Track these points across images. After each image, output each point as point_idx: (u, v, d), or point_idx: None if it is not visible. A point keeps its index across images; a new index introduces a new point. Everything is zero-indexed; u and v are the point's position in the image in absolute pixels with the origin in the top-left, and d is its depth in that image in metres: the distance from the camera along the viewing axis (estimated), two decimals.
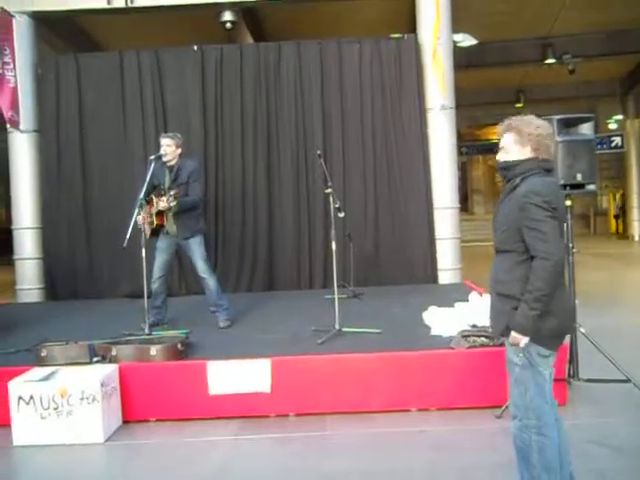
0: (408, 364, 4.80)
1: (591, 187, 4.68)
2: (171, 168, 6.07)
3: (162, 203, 5.85)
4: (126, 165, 8.64)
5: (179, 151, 6.11)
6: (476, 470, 3.78)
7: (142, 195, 5.73)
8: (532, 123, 2.97)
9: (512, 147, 3.00)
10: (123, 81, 8.76)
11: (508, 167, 3.00)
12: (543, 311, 2.81)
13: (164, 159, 6.03)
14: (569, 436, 3.16)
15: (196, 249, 6.13)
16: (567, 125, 4.66)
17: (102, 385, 4.44)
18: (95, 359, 4.94)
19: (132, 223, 5.60)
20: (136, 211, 5.68)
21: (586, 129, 4.74)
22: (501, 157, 3.05)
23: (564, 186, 4.63)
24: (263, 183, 8.74)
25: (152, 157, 5.93)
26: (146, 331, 5.61)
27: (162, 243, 6.18)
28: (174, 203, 5.81)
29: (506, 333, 2.92)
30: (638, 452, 3.97)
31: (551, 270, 2.79)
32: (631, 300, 9.49)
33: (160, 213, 5.93)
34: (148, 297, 5.83)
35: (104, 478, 4.13)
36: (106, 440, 4.44)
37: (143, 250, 5.70)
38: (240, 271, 8.74)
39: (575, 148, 4.60)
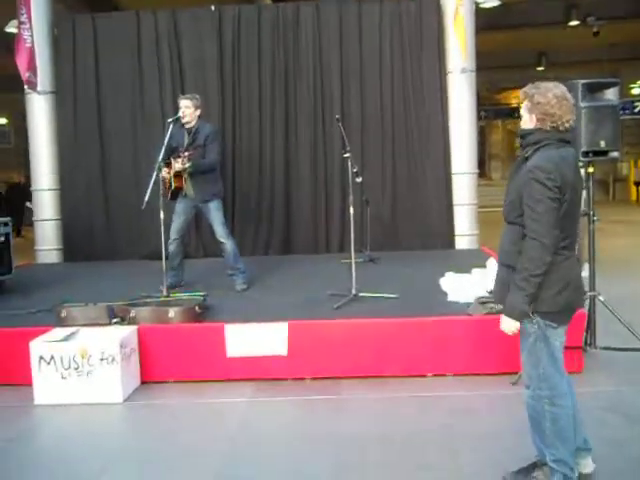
0: (424, 330, 4.81)
1: (614, 154, 4.60)
2: (190, 130, 6.05)
3: (177, 164, 5.85)
4: (143, 126, 8.63)
5: (198, 112, 6.07)
6: (491, 436, 3.80)
7: (160, 157, 5.72)
8: (548, 91, 2.86)
9: (524, 115, 2.94)
10: (140, 42, 8.69)
11: (523, 136, 2.94)
12: (532, 292, 2.78)
13: (183, 121, 6.00)
14: (584, 404, 3.16)
15: (215, 213, 6.14)
16: (592, 90, 4.56)
17: (121, 346, 4.50)
18: (114, 320, 5.00)
19: (150, 185, 5.60)
20: (154, 173, 5.68)
21: (611, 94, 4.64)
22: (521, 124, 2.99)
23: (586, 153, 4.55)
24: (280, 146, 8.69)
25: (170, 119, 5.90)
26: (164, 293, 5.66)
27: (180, 205, 6.19)
28: (189, 164, 5.81)
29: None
30: None
31: (539, 251, 2.75)
32: None
33: (178, 175, 5.93)
34: (165, 259, 5.86)
35: (123, 437, 4.21)
36: (125, 400, 4.52)
37: (161, 212, 5.71)
38: (257, 234, 8.75)
39: (599, 114, 4.51)
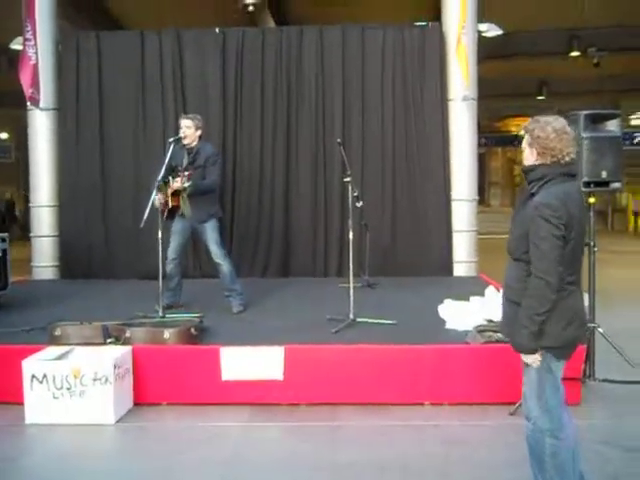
0: (423, 357, 4.76)
1: (616, 185, 4.60)
2: (190, 150, 6.04)
3: (176, 183, 5.83)
4: (145, 146, 8.63)
5: (199, 133, 6.07)
6: (488, 467, 3.75)
7: (160, 177, 5.70)
8: (547, 125, 2.84)
9: (526, 150, 2.92)
10: (144, 61, 8.71)
11: (526, 172, 2.91)
12: (538, 330, 2.76)
13: (184, 141, 6.00)
14: (582, 436, 3.11)
15: (211, 234, 6.11)
16: (594, 121, 4.57)
17: (115, 366, 4.44)
18: (109, 340, 4.94)
19: (149, 204, 5.58)
20: (154, 192, 5.66)
21: (612, 125, 4.65)
22: (523, 158, 2.96)
23: (588, 183, 4.55)
24: (281, 168, 8.69)
25: (171, 139, 5.90)
26: (160, 313, 5.61)
27: (177, 225, 6.17)
28: (188, 184, 5.79)
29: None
30: None
31: (543, 290, 2.72)
32: None
33: (176, 194, 5.91)
34: (162, 279, 5.82)
35: (114, 458, 4.13)
36: (117, 421, 4.45)
37: (159, 232, 5.68)
38: (255, 256, 8.71)
39: (601, 145, 4.52)
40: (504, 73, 17.83)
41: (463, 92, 8.31)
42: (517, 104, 23.33)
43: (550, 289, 2.72)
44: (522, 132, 2.96)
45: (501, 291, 5.95)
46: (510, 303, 2.94)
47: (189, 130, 6.00)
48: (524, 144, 2.92)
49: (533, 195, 2.84)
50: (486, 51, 8.56)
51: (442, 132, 8.52)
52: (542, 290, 2.72)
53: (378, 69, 8.60)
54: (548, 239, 2.71)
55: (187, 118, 6.11)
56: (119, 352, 4.63)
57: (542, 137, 2.83)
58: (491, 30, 10.38)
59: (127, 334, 4.89)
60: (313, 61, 8.63)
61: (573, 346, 2.94)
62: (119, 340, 4.91)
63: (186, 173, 5.86)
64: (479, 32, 8.89)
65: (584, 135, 4.45)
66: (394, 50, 8.59)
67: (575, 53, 14.86)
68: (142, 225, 5.51)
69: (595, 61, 15.38)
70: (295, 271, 8.72)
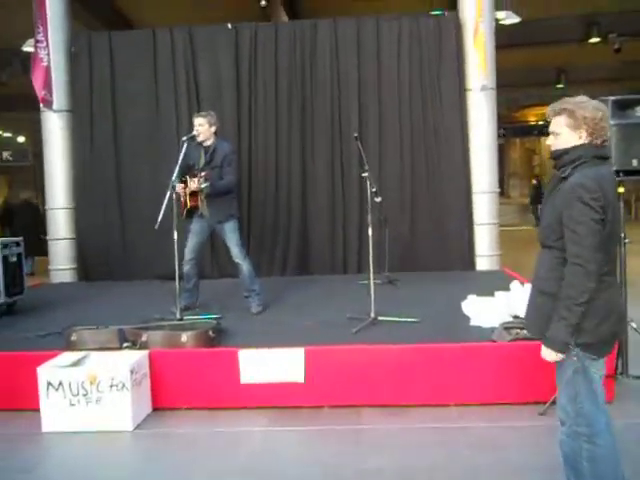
0: (447, 356, 4.61)
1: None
2: (207, 149, 5.93)
3: (193, 184, 5.74)
4: (159, 145, 8.51)
5: (213, 129, 5.95)
6: (520, 472, 3.59)
7: (175, 176, 5.59)
8: (587, 104, 2.71)
9: (563, 131, 2.74)
10: (156, 59, 8.61)
11: (558, 155, 2.74)
12: (577, 322, 2.59)
13: (198, 139, 5.89)
14: (618, 436, 2.93)
15: (231, 234, 6.00)
16: (622, 107, 4.37)
17: (132, 372, 4.34)
18: (125, 344, 4.84)
19: (164, 204, 5.47)
20: (168, 193, 5.55)
21: None
22: (551, 142, 2.79)
23: (617, 172, 4.35)
24: (297, 164, 8.56)
25: (185, 137, 5.78)
26: (177, 316, 5.51)
27: (196, 225, 6.06)
28: (205, 185, 5.69)
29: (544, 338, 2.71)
30: None
31: (582, 278, 2.56)
32: None
33: (194, 194, 5.81)
34: (179, 280, 5.72)
35: (132, 466, 4.03)
36: (135, 428, 4.35)
37: (175, 232, 5.58)
38: (273, 254, 8.59)
39: (630, 132, 4.32)
40: (521, 62, 17.50)
41: (481, 82, 8.10)
42: (536, 93, 22.98)
43: (589, 277, 2.55)
44: (552, 112, 2.77)
45: (526, 284, 5.79)
46: (540, 294, 2.77)
47: (202, 128, 5.88)
48: (559, 125, 2.74)
49: (565, 179, 2.68)
50: (503, 40, 8.35)
51: (461, 123, 8.34)
52: (580, 278, 2.55)
53: (394, 60, 8.43)
54: (586, 223, 2.55)
55: (200, 116, 6.00)
56: (136, 357, 4.52)
57: (589, 117, 2.67)
58: (509, 18, 10.14)
59: (144, 338, 4.79)
60: (327, 54, 8.47)
61: (611, 343, 2.77)
62: (136, 344, 4.81)
63: (202, 174, 5.75)
64: (496, 20, 8.67)
65: (612, 122, 4.23)
66: (410, 41, 8.41)
67: (595, 39, 14.54)
68: (157, 226, 5.41)
69: (616, 47, 15.04)
70: (314, 268, 8.59)
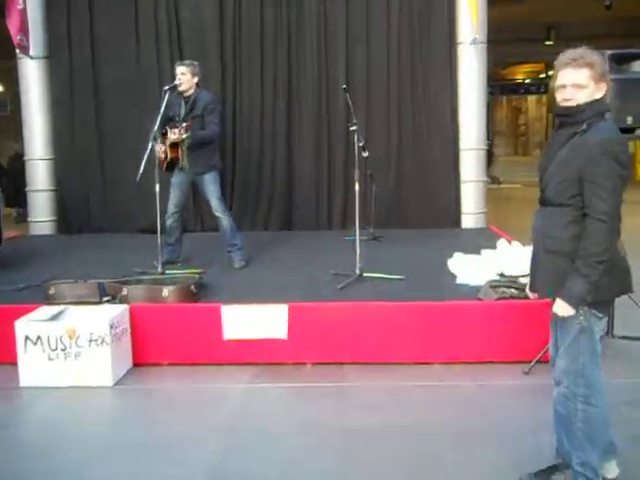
0: (433, 315, 4.56)
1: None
2: (187, 99, 5.75)
3: (173, 135, 5.57)
4: (140, 94, 8.23)
5: (195, 80, 5.77)
6: (505, 431, 3.56)
7: (156, 127, 5.43)
8: (600, 58, 2.62)
9: (589, 84, 2.61)
10: (137, 6, 8.28)
11: (579, 109, 2.60)
12: (596, 280, 2.53)
13: (180, 88, 5.71)
14: (606, 397, 2.91)
15: (210, 186, 5.86)
16: (619, 62, 4.25)
17: (112, 327, 4.24)
18: (105, 299, 4.74)
19: (145, 156, 5.32)
20: (149, 144, 5.39)
21: (638, 66, 4.34)
22: (571, 96, 2.62)
23: None
24: (282, 116, 8.35)
25: (167, 87, 5.59)
26: (159, 269, 5.41)
27: (176, 178, 5.92)
28: (186, 135, 5.54)
29: (559, 293, 2.64)
30: None
31: (607, 234, 2.51)
32: None
33: (174, 146, 5.65)
34: (161, 234, 5.60)
35: (112, 422, 3.97)
36: (115, 384, 4.27)
37: (157, 185, 5.44)
38: (256, 209, 8.45)
39: (627, 88, 4.21)
40: (510, 18, 17.16)
41: (472, 35, 7.91)
42: (524, 50, 22.69)
43: (612, 234, 2.52)
44: (571, 64, 2.61)
45: (513, 242, 5.73)
46: (552, 253, 2.68)
47: (184, 77, 5.69)
48: (584, 78, 2.59)
49: (581, 134, 2.57)
50: None
51: (450, 77, 8.15)
52: (605, 235, 2.50)
53: (384, 10, 8.17)
54: (614, 179, 2.49)
55: (182, 65, 5.80)
56: (116, 311, 4.42)
57: (606, 71, 2.63)
58: None
59: (124, 292, 4.69)
60: (314, 7, 8.19)
61: (617, 297, 2.79)
62: (115, 298, 4.71)
63: (184, 124, 5.59)
64: None
65: (610, 77, 4.13)
66: None
67: None
68: (138, 178, 5.26)
69: (607, 2, 14.81)
70: (298, 224, 8.47)
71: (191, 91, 5.75)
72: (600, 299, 2.63)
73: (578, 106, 2.61)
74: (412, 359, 4.49)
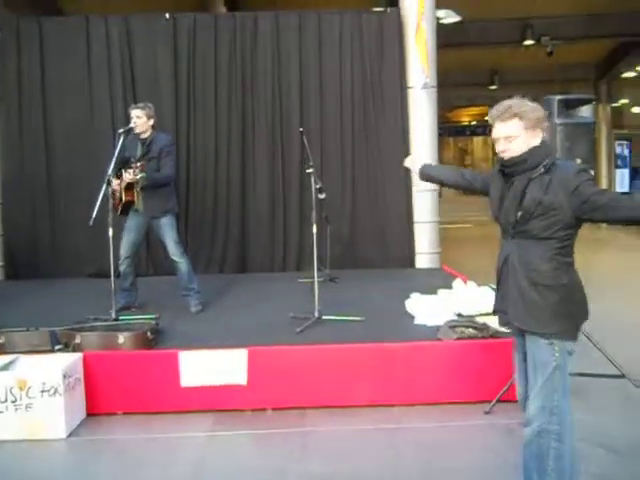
0: (394, 356, 4.54)
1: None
2: (144, 140, 5.71)
3: (128, 175, 5.51)
4: (92, 138, 8.15)
5: (151, 122, 5.74)
6: (471, 473, 3.55)
7: (110, 170, 5.35)
8: (533, 105, 2.76)
9: (520, 134, 2.73)
10: (89, 49, 8.22)
11: (522, 159, 2.74)
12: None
13: (135, 131, 5.66)
14: None
15: (167, 230, 5.78)
16: (567, 107, 4.41)
17: (65, 376, 4.10)
18: (57, 347, 4.59)
19: (99, 200, 5.22)
20: (103, 187, 5.29)
21: (585, 111, 4.51)
22: (504, 148, 2.77)
23: None
24: (237, 160, 8.36)
25: (121, 130, 5.52)
26: (113, 316, 5.27)
27: (131, 222, 5.83)
28: (140, 175, 5.47)
29: (550, 326, 2.71)
30: (635, 454, 3.78)
31: None
32: (614, 286, 9.27)
33: (129, 188, 5.58)
34: (116, 278, 5.47)
35: (66, 476, 3.81)
36: (69, 435, 4.11)
37: (110, 229, 5.34)
38: (211, 251, 8.38)
39: (574, 131, 4.36)
40: (457, 63, 17.75)
41: (423, 80, 8.11)
42: (469, 94, 23.42)
43: None
44: (502, 116, 2.75)
45: (468, 282, 5.79)
46: (540, 287, 2.73)
47: (140, 120, 5.66)
48: (514, 131, 2.73)
49: (542, 174, 2.70)
50: (440, 39, 8.41)
51: (402, 121, 8.33)
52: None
53: (336, 57, 8.34)
54: (600, 190, 2.67)
55: (137, 108, 5.76)
56: (69, 360, 4.28)
57: (542, 117, 2.75)
58: (449, 17, 10.24)
59: (77, 340, 4.55)
60: (269, 49, 8.30)
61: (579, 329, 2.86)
62: (69, 346, 4.56)
63: (138, 164, 5.53)
64: (437, 19, 8.69)
65: (558, 121, 4.28)
66: (352, 37, 8.33)
67: (529, 42, 14.88)
68: (91, 222, 5.14)
69: (549, 50, 15.44)
70: (253, 266, 8.42)
71: (147, 133, 5.71)
72: (569, 327, 2.73)
73: (520, 156, 2.75)
74: (374, 401, 4.46)
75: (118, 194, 5.58)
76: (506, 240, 2.86)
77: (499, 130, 2.77)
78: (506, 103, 2.77)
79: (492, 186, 2.93)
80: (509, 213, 2.80)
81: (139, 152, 5.68)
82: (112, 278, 5.38)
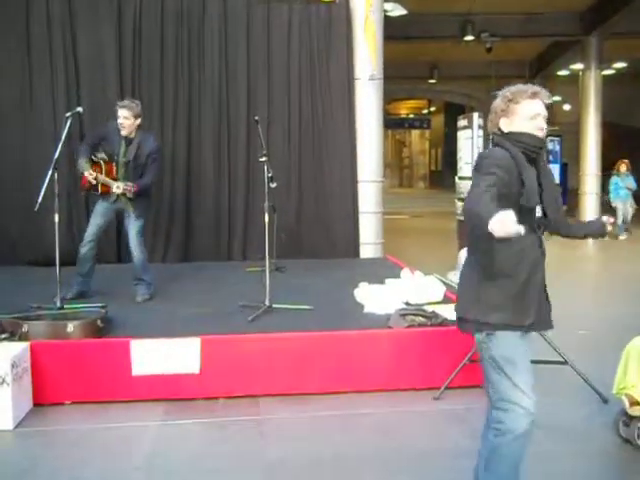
0: (345, 344, 4.61)
1: None
2: (129, 141, 5.57)
3: (117, 189, 5.47)
4: (32, 122, 7.89)
5: (138, 122, 5.60)
6: (425, 457, 3.63)
7: (56, 156, 5.18)
8: None
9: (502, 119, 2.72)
10: (29, 30, 7.91)
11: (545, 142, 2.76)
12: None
13: (122, 133, 5.52)
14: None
15: (134, 221, 5.75)
16: None
17: (13, 366, 3.99)
18: (3, 336, 4.44)
19: (44, 185, 5.07)
20: (49, 172, 5.13)
21: None
22: (544, 125, 2.66)
23: None
24: (182, 147, 8.26)
25: (68, 113, 5.37)
26: (58, 304, 5.13)
27: (101, 207, 5.75)
28: (130, 195, 5.51)
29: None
30: (576, 435, 3.95)
31: None
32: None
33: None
34: (71, 264, 5.37)
35: (13, 469, 3.68)
36: (16, 426, 4.00)
37: (56, 215, 5.19)
38: (155, 240, 8.23)
39: None
40: (397, 56, 17.90)
41: (370, 71, 8.20)
42: (408, 87, 23.71)
43: None
44: (539, 96, 2.68)
45: (416, 272, 5.90)
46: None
47: (127, 121, 5.51)
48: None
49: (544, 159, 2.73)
50: (385, 32, 8.50)
51: (349, 112, 8.40)
52: None
53: (284, 47, 8.33)
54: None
55: (124, 107, 5.54)
56: (16, 349, 4.16)
57: None
58: (396, 10, 10.35)
59: (24, 329, 4.42)
60: (216, 37, 8.21)
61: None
62: (15, 336, 4.43)
63: (129, 184, 5.47)
64: (385, 11, 8.78)
65: None
66: (300, 27, 8.35)
67: (469, 37, 15.19)
68: (37, 208, 5.00)
69: (488, 46, 15.79)
70: (197, 255, 8.35)
71: (133, 134, 5.58)
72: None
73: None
74: (326, 389, 4.50)
75: (94, 178, 5.49)
76: (529, 235, 2.53)
77: (541, 107, 2.66)
78: (532, 86, 2.73)
79: (524, 176, 2.57)
80: (556, 201, 2.76)
81: (122, 150, 5.57)
82: (57, 266, 5.22)
